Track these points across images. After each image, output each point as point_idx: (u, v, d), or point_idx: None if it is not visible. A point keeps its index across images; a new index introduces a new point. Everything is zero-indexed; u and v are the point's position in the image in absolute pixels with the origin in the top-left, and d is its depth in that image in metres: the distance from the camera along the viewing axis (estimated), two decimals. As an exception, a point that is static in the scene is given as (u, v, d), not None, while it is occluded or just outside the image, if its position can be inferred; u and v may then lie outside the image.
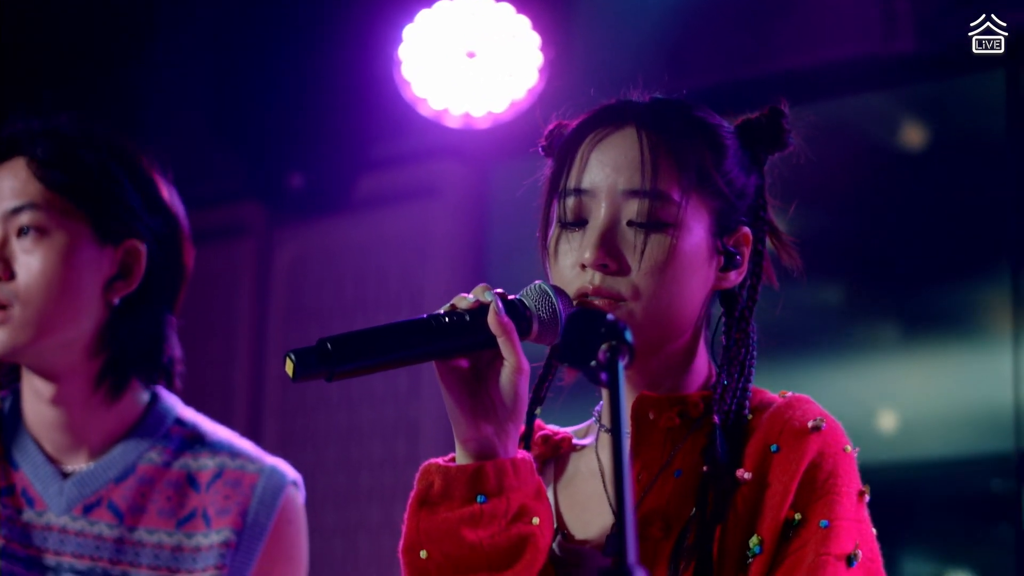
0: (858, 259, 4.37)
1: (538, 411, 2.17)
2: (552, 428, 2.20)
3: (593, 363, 1.69)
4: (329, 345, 1.86)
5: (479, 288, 1.97)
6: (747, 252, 2.09)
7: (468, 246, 5.37)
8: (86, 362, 2.66)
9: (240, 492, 2.66)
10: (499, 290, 1.98)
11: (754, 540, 1.95)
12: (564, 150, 2.07)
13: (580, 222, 2.04)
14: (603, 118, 2.07)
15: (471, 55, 4.81)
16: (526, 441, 2.14)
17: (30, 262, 2.61)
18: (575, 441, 2.17)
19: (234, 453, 2.70)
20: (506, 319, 1.94)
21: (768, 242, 2.15)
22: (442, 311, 1.96)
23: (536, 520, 1.94)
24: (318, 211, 5.44)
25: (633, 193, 2.01)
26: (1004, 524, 4.18)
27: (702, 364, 2.11)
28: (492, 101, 4.82)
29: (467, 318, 1.94)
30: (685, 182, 2.01)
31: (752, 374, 2.07)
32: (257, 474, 2.67)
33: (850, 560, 1.94)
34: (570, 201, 2.04)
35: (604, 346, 1.69)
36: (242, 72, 5.22)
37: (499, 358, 1.95)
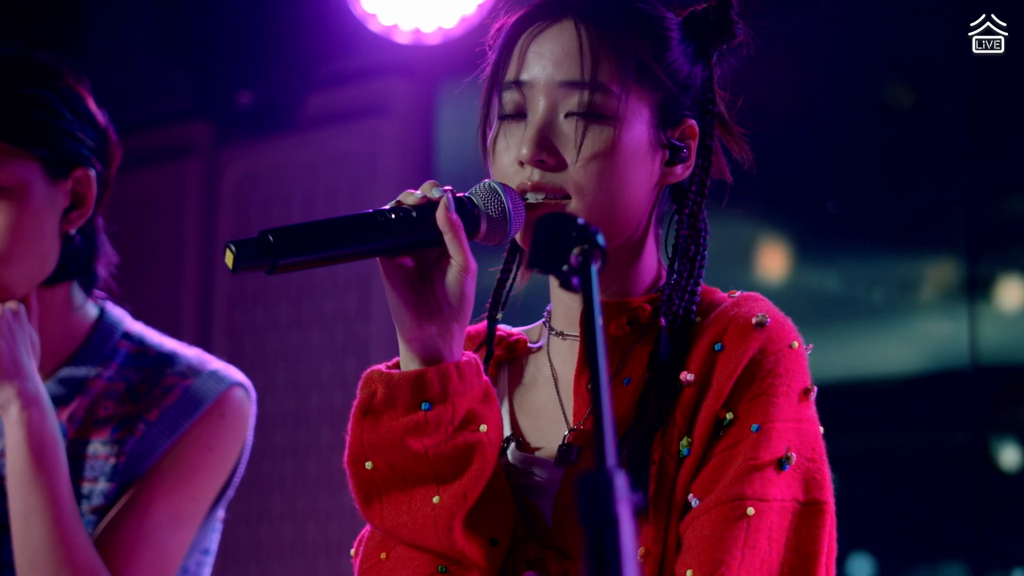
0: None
1: (499, 316, 2.12)
2: (506, 329, 2.15)
3: (565, 268, 1.62)
4: (271, 237, 1.79)
5: (427, 184, 1.92)
6: (693, 145, 2.03)
7: (417, 163, 5.33)
8: (42, 290, 2.63)
9: (170, 395, 2.64)
10: (448, 187, 1.92)
11: (684, 442, 1.90)
12: (503, 44, 2.02)
13: (519, 115, 1.99)
14: (541, 11, 2.01)
15: (422, -31, 4.78)
16: (488, 345, 2.10)
17: None
18: (529, 344, 2.13)
19: (176, 363, 2.68)
20: (455, 216, 1.88)
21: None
22: (388, 207, 1.89)
23: (483, 427, 1.90)
24: (266, 129, 5.38)
25: (571, 85, 1.96)
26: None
27: (651, 264, 2.06)
28: (442, 16, 4.78)
29: (414, 214, 1.87)
30: (624, 74, 1.95)
31: (702, 272, 2.02)
32: (193, 379, 2.65)
33: (781, 464, 1.88)
34: (508, 95, 1.99)
35: (576, 250, 1.62)
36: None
37: (445, 257, 1.90)
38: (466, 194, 1.94)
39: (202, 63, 5.19)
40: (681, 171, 2.03)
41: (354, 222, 1.85)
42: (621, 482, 1.41)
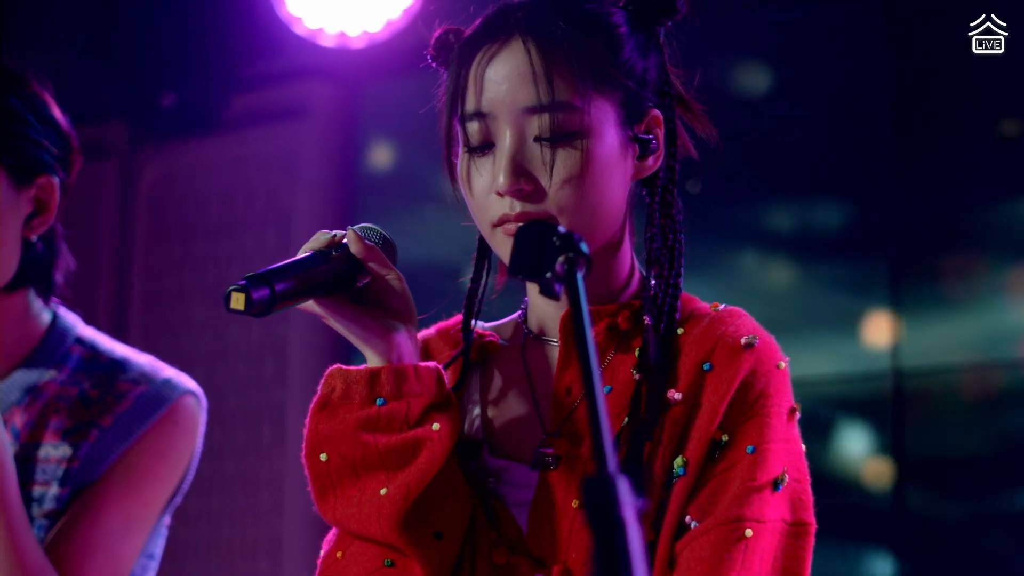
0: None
1: (474, 324, 2.12)
2: (479, 328, 2.14)
3: (549, 275, 1.64)
4: (253, 277, 1.85)
5: (316, 235, 1.97)
6: (661, 133, 2.02)
7: (338, 167, 5.35)
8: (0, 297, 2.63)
9: (123, 402, 2.65)
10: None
11: (679, 461, 1.90)
12: (456, 71, 1.99)
13: (486, 146, 1.97)
14: (488, 32, 1.98)
15: (347, -28, 4.81)
16: (465, 356, 2.09)
17: None
18: (500, 342, 2.12)
19: (128, 370, 2.69)
20: (368, 242, 1.95)
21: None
22: (303, 254, 1.95)
23: (436, 426, 1.92)
24: (185, 130, 5.36)
25: (533, 109, 1.93)
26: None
27: (626, 262, 2.05)
28: (367, 21, 4.80)
29: (332, 253, 1.94)
30: (583, 86, 1.93)
31: (682, 267, 2.02)
32: (146, 386, 2.67)
33: (776, 484, 1.90)
34: (472, 126, 1.96)
35: (561, 258, 1.63)
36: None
37: (372, 282, 1.95)
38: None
39: (125, 63, 5.17)
40: (652, 162, 2.02)
41: (312, 262, 1.93)
42: (625, 486, 1.42)
